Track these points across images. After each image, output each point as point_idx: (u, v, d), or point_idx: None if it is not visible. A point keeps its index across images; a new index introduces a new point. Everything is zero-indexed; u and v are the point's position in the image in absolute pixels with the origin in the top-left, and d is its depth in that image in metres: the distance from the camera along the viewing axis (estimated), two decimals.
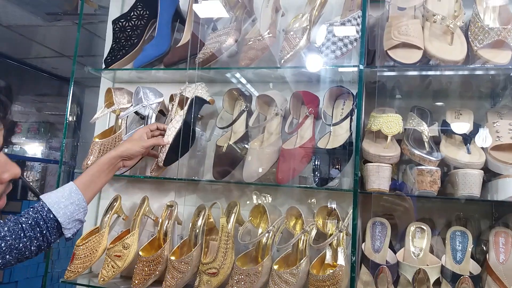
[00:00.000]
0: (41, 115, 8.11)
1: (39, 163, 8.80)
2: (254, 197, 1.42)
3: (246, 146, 1.33)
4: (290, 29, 1.31)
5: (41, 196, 0.94)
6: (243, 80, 1.44)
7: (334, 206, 1.25)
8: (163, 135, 1.31)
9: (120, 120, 1.46)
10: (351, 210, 1.20)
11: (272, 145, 1.30)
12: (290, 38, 1.29)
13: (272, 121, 1.33)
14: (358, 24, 1.25)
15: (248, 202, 1.40)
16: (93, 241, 1.38)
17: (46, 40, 4.27)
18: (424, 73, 1.27)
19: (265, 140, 1.35)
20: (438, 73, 1.24)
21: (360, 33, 1.25)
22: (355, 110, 1.22)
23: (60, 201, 0.93)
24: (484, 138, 1.20)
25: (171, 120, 1.34)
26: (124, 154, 1.14)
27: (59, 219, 0.91)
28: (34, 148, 9.17)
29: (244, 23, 1.42)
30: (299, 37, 1.28)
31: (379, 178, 1.17)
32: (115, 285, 1.37)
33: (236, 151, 1.32)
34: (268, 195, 1.40)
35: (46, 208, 0.91)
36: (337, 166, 1.21)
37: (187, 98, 1.35)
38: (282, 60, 1.28)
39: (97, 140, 1.43)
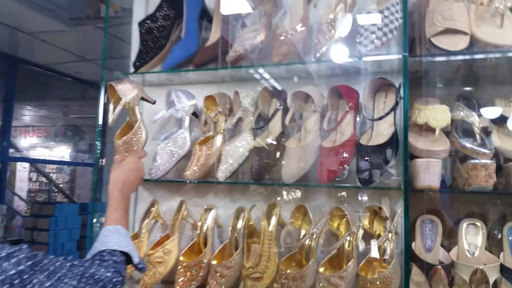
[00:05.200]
0: (67, 119, 8.28)
1: (67, 166, 9.01)
2: (284, 192, 1.38)
3: (274, 143, 1.28)
4: (324, 20, 1.25)
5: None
6: (267, 76, 1.38)
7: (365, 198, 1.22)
8: None
9: (134, 111, 1.30)
10: (400, 209, 1.15)
11: (311, 144, 1.25)
12: (324, 31, 1.23)
13: (309, 118, 1.28)
14: (397, 11, 1.18)
15: (288, 200, 1.35)
16: None
17: (68, 45, 4.31)
18: (468, 56, 1.19)
19: (302, 138, 1.30)
20: (490, 55, 1.15)
21: (399, 21, 1.18)
22: (399, 103, 1.16)
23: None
24: None
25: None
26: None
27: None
28: (62, 151, 9.39)
29: (274, 17, 1.37)
30: (334, 29, 1.22)
31: (429, 175, 1.10)
32: None
33: (272, 150, 1.28)
34: (298, 191, 1.35)
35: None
36: (381, 163, 1.15)
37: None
38: (318, 54, 1.22)
39: (118, 141, 1.29)
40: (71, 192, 8.25)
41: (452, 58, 1.19)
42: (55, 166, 9.35)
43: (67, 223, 4.77)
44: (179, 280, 1.28)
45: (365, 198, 1.24)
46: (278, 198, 1.31)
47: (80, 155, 8.53)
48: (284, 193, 1.36)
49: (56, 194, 8.41)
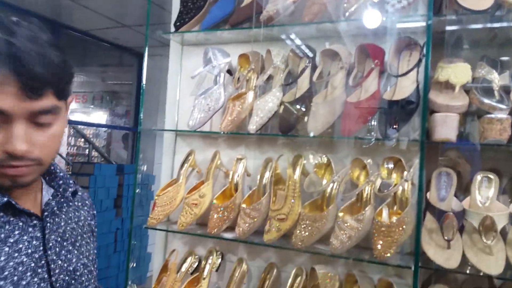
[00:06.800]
0: (105, 84, 8.60)
1: (104, 130, 9.45)
2: (311, 156, 1.48)
3: (303, 108, 1.37)
4: None
5: None
6: (298, 41, 1.46)
7: (390, 166, 1.29)
8: None
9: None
10: (417, 160, 1.23)
11: (336, 99, 1.33)
12: None
13: (336, 75, 1.36)
14: None
15: (311, 158, 1.45)
16: (172, 191, 1.53)
17: (107, 11, 4.47)
18: (496, 24, 1.23)
19: (328, 94, 1.39)
20: None
21: None
22: (423, 60, 1.22)
23: None
24: None
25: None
26: None
27: None
28: (99, 116, 9.82)
29: None
30: None
31: (446, 128, 1.18)
32: (192, 230, 1.52)
33: (295, 108, 1.38)
34: (324, 156, 1.44)
35: None
36: (403, 118, 1.23)
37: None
38: (347, 13, 1.29)
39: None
40: (108, 154, 8.67)
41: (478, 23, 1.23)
42: (92, 131, 9.82)
43: (105, 182, 5.07)
44: (213, 219, 1.43)
45: (382, 152, 1.32)
46: (305, 162, 1.40)
47: (117, 120, 8.90)
48: (311, 157, 1.45)
49: (93, 158, 8.88)
